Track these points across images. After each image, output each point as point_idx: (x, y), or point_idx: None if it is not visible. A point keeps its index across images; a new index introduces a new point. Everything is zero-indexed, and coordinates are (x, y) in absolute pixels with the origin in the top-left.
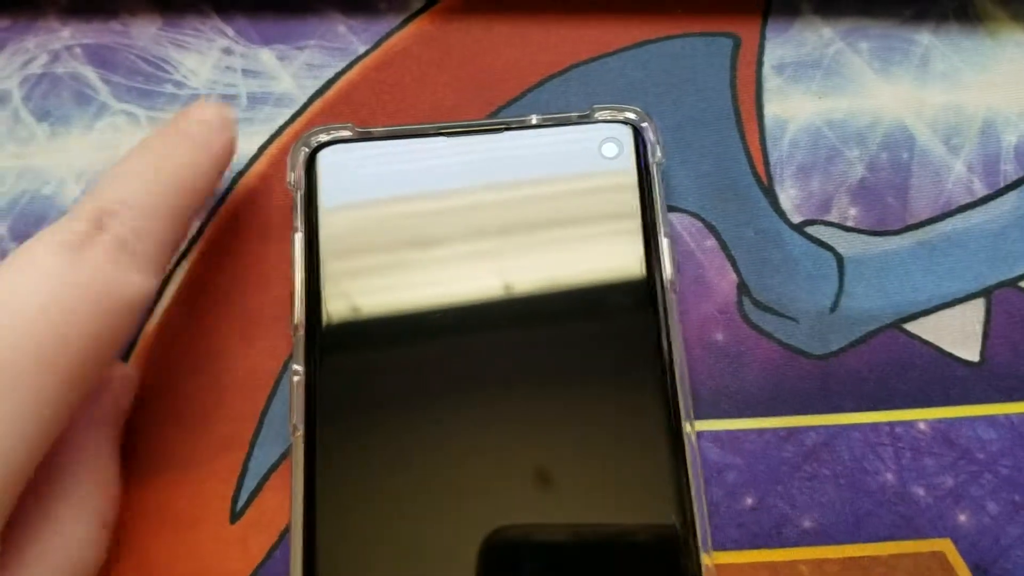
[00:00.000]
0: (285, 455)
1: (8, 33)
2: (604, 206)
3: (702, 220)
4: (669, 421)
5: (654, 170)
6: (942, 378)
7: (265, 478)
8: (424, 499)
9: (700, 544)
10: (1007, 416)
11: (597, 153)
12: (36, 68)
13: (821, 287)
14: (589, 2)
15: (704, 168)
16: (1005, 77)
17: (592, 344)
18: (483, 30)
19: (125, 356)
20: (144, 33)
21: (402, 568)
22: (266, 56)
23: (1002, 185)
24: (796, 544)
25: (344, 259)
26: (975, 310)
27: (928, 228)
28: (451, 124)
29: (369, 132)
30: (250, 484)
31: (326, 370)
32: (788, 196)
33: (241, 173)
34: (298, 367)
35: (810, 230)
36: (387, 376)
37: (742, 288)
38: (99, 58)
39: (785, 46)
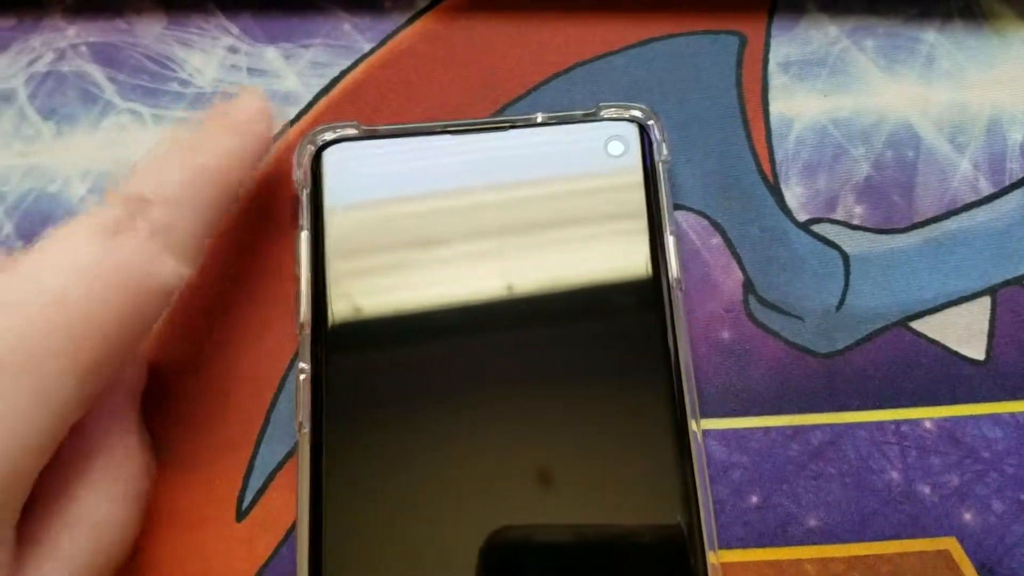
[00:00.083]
0: (291, 454)
1: (14, 32)
2: (610, 204)
3: (708, 218)
4: (675, 419)
5: (660, 168)
6: (948, 376)
7: (271, 477)
8: (430, 497)
9: (706, 542)
10: (1013, 415)
11: (603, 151)
12: (42, 67)
13: (827, 285)
14: (594, 0)
15: (710, 166)
16: (1011, 75)
17: (598, 343)
18: (488, 28)
19: None
20: (149, 32)
21: (408, 566)
22: (271, 54)
23: (1008, 183)
24: (802, 543)
25: (350, 257)
26: (981, 308)
27: (934, 226)
28: (456, 122)
29: (374, 130)
30: (256, 483)
31: (332, 368)
32: (794, 194)
33: None
34: (304, 365)
35: (816, 228)
36: (393, 374)
37: (748, 286)
38: (104, 56)
39: (791, 44)
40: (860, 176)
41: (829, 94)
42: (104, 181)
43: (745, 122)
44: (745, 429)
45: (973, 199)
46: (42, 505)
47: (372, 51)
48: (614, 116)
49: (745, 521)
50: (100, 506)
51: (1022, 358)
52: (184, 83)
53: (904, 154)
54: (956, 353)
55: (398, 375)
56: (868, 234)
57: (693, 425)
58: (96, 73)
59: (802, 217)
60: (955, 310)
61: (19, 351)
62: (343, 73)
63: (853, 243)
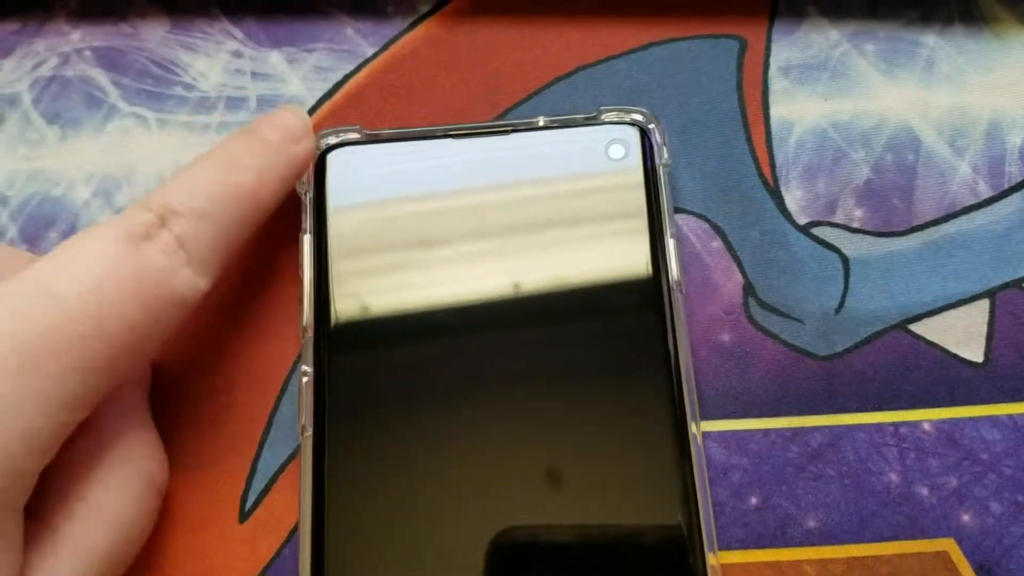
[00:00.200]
0: (294, 455)
1: (18, 36)
2: (610, 207)
3: (708, 221)
4: (675, 421)
5: (660, 171)
6: (947, 379)
7: (274, 478)
8: (431, 499)
9: (706, 544)
10: (1011, 417)
11: (604, 155)
12: (46, 71)
13: (826, 288)
14: (596, 5)
15: (710, 169)
16: (1010, 79)
17: (599, 345)
18: (490, 33)
19: None
20: (153, 36)
21: (409, 568)
22: (275, 59)
23: (1007, 187)
24: (801, 544)
25: (353, 260)
26: (980, 311)
27: (933, 229)
28: (459, 126)
29: (377, 134)
30: (259, 484)
31: (335, 371)
32: (794, 197)
33: None
34: (307, 368)
35: (816, 231)
36: (395, 377)
37: (748, 289)
38: (109, 61)
39: (791, 48)
40: (860, 179)
41: (829, 98)
42: (108, 185)
43: (746, 126)
44: (745, 431)
45: (972, 202)
46: (61, 498)
47: (375, 55)
48: (615, 120)
49: (745, 522)
50: (118, 498)
51: (1020, 360)
52: (188, 87)
53: (904, 157)
54: (955, 355)
55: (400, 378)
56: (868, 237)
57: (693, 427)
58: (100, 77)
59: (802, 220)
60: (954, 313)
61: (19, 352)
62: (346, 77)
63: (853, 246)
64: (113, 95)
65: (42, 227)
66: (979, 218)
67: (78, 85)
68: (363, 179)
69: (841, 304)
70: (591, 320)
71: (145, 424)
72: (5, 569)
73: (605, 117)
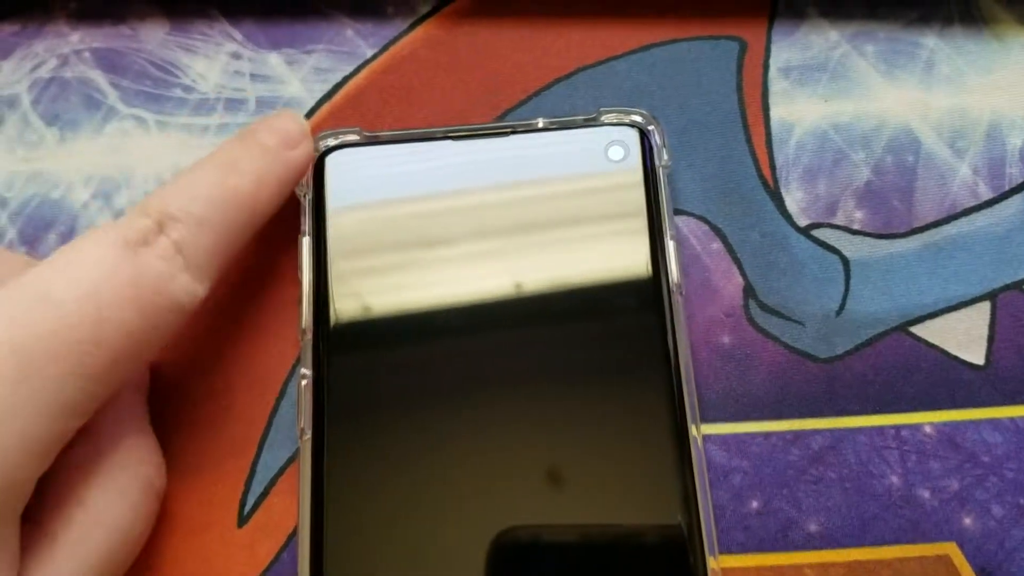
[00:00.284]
0: (293, 459)
1: (17, 38)
2: (610, 209)
3: (708, 223)
4: (675, 424)
5: (660, 173)
6: (948, 381)
7: (273, 482)
8: (431, 503)
9: (706, 547)
10: (1012, 419)
11: (603, 156)
12: (45, 72)
13: (827, 290)
14: (595, 6)
15: (710, 171)
16: (1010, 80)
17: (599, 347)
18: (490, 34)
19: None
20: (152, 37)
21: (409, 572)
22: (274, 60)
23: (1007, 188)
24: (802, 548)
25: (352, 263)
26: (980, 313)
27: (933, 231)
28: (458, 128)
29: (376, 136)
30: (257, 488)
31: (334, 374)
32: (794, 199)
33: None
34: (306, 371)
35: (816, 233)
36: (394, 380)
37: (748, 291)
38: (108, 62)
39: (791, 49)
40: (860, 181)
41: (829, 99)
42: (107, 186)
43: (746, 127)
44: (745, 434)
45: (973, 204)
46: (58, 502)
47: (374, 57)
48: (615, 121)
49: (746, 526)
50: (115, 503)
51: (1022, 363)
52: (187, 89)
53: (904, 159)
54: (956, 358)
55: (399, 380)
56: (868, 239)
57: (693, 430)
58: (99, 79)
59: (802, 222)
60: (955, 315)
61: (17, 357)
62: (346, 79)
63: (853, 248)
64: (112, 97)
65: (41, 229)
66: (980, 220)
67: (77, 87)
68: (362, 181)
69: (842, 306)
70: (591, 322)
71: (143, 428)
72: (2, 575)
73: (605, 118)
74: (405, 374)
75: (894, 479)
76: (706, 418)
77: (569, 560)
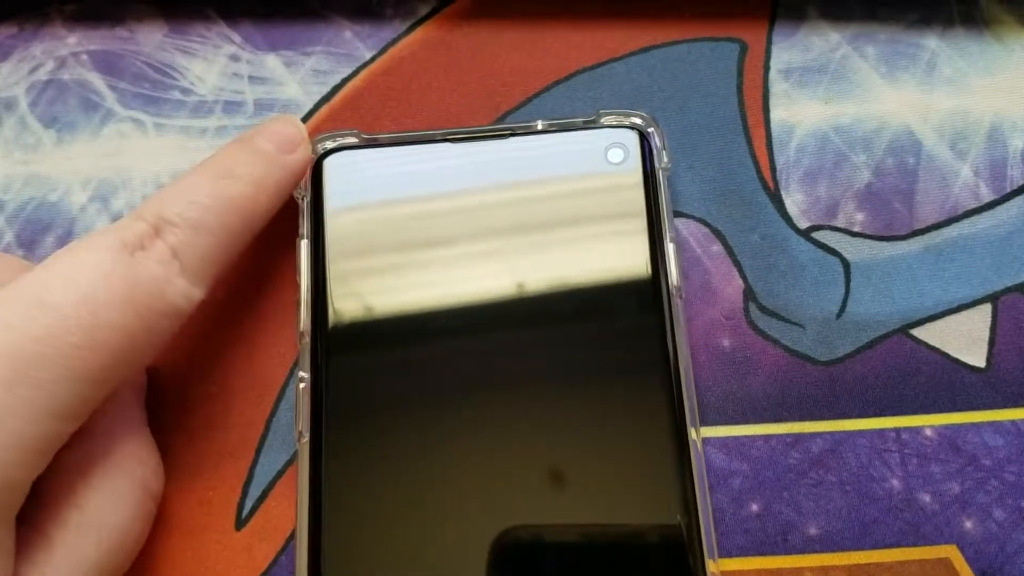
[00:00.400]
0: (291, 462)
1: (15, 40)
2: (610, 211)
3: (708, 226)
4: (675, 427)
5: (660, 175)
6: (949, 384)
7: (271, 485)
8: (430, 506)
9: (706, 551)
10: (1013, 422)
11: (603, 158)
12: (43, 75)
13: (827, 293)
14: (595, 7)
15: (710, 173)
16: (1012, 81)
17: (598, 350)
18: (489, 36)
19: None
20: (150, 40)
21: (408, 575)
22: (272, 62)
23: (1009, 190)
24: (802, 551)
25: (350, 266)
26: (982, 316)
27: (935, 233)
28: (457, 130)
29: (375, 138)
30: (256, 491)
31: (332, 377)
32: (794, 201)
33: None
34: (304, 374)
35: (816, 235)
36: (392, 382)
37: (748, 294)
38: (105, 65)
39: (792, 51)
40: (861, 183)
41: (830, 101)
42: (105, 189)
43: (746, 129)
44: (745, 437)
45: (974, 206)
46: (54, 505)
47: (373, 59)
48: (614, 123)
49: (745, 529)
50: (112, 506)
51: (1023, 365)
52: (185, 91)
53: (905, 161)
54: (957, 360)
55: (397, 383)
56: (869, 241)
57: (693, 433)
58: (97, 81)
59: (803, 224)
60: (956, 317)
61: (12, 361)
62: (344, 81)
63: (854, 250)
64: (110, 99)
65: (39, 232)
66: (981, 222)
67: (75, 89)
68: (360, 184)
69: (842, 309)
70: (590, 325)
71: (140, 430)
72: None
73: (604, 120)
74: (403, 377)
75: (895, 482)
76: (706, 421)
77: (568, 564)
